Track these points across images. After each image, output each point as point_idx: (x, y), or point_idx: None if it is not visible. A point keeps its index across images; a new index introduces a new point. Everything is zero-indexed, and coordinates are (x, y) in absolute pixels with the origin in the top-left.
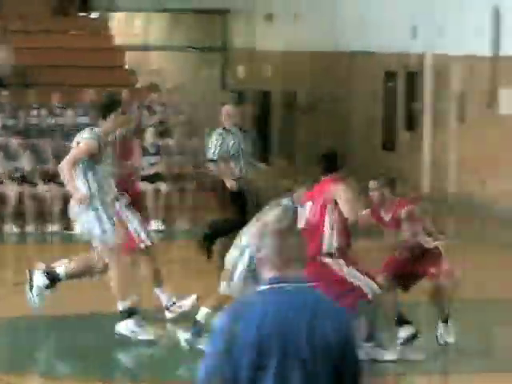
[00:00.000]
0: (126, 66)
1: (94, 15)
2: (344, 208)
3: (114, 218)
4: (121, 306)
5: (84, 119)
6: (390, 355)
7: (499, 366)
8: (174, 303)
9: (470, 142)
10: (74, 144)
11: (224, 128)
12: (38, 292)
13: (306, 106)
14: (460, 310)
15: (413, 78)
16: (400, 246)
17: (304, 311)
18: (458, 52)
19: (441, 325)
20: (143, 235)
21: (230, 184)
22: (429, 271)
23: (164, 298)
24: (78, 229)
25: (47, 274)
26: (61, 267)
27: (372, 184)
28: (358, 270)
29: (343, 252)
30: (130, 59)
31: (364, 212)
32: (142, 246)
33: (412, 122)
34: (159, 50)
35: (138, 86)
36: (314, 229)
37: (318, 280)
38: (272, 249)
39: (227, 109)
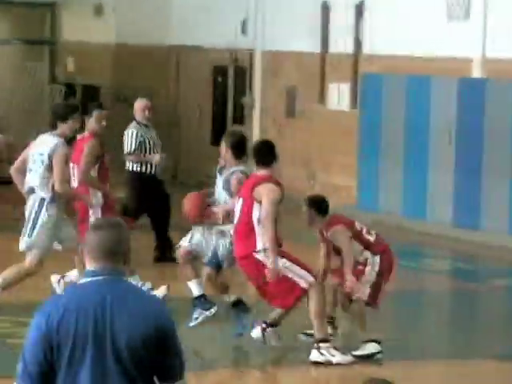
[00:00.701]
0: None
1: None
2: (263, 208)
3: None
4: None
5: None
6: (343, 359)
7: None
8: None
9: (300, 136)
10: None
11: (138, 122)
12: None
13: (127, 99)
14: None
15: (243, 73)
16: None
17: (104, 305)
18: (287, 48)
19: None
20: None
21: (156, 160)
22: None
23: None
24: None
25: None
26: None
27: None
28: (292, 261)
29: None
30: None
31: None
32: None
33: (242, 117)
34: None
35: None
36: (246, 225)
37: (254, 277)
38: (90, 243)
39: (141, 103)
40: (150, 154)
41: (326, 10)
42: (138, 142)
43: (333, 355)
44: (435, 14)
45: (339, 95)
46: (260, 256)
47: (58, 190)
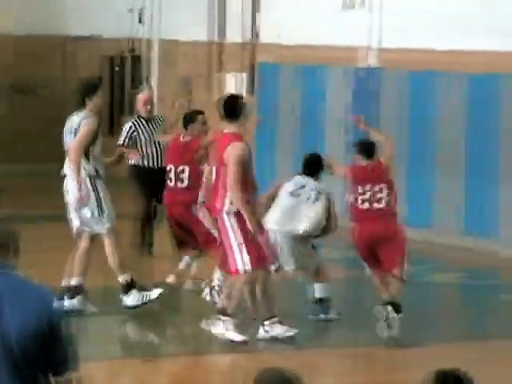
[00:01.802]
0: None
1: None
2: (229, 174)
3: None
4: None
5: None
6: (289, 331)
7: None
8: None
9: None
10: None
11: (138, 115)
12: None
13: (22, 89)
14: None
15: (139, 63)
16: None
17: None
18: (184, 37)
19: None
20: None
21: (130, 155)
22: None
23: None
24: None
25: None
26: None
27: None
28: (245, 238)
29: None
30: None
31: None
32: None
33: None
34: None
35: None
36: (216, 187)
37: (220, 236)
38: None
39: (140, 96)
40: (143, 148)
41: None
42: (129, 135)
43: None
44: (330, 3)
45: (236, 84)
46: (224, 216)
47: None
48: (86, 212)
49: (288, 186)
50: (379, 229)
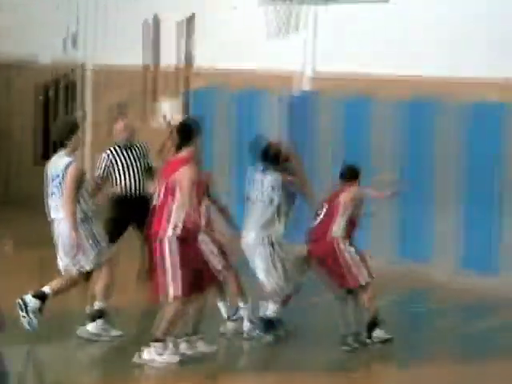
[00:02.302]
0: None
1: None
2: (182, 197)
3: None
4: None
5: None
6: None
7: None
8: None
9: None
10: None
11: (115, 144)
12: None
13: None
14: None
15: (73, 89)
16: None
17: None
18: (118, 62)
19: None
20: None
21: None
22: None
23: None
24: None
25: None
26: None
27: None
28: (182, 265)
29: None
30: None
31: None
32: None
33: None
34: None
35: None
36: (160, 210)
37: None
38: None
39: (116, 125)
40: (121, 176)
41: (156, 24)
42: (104, 166)
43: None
44: (264, 28)
45: (170, 110)
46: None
47: None
48: (81, 257)
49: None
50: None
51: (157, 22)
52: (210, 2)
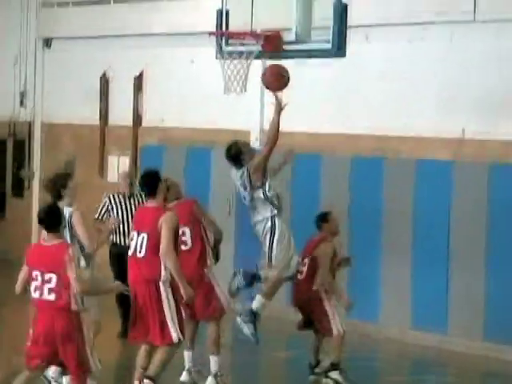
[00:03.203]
0: None
1: None
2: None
3: None
4: None
5: None
6: None
7: None
8: None
9: (80, 208)
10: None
11: (118, 192)
12: None
13: None
14: None
15: (22, 146)
16: None
17: None
18: (67, 120)
19: None
20: None
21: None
22: None
23: None
24: None
25: None
26: None
27: None
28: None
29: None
30: None
31: None
32: None
33: (21, 190)
34: None
35: None
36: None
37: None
38: None
39: (121, 173)
40: (119, 224)
41: (105, 81)
42: (103, 210)
43: None
44: (215, 85)
45: (119, 167)
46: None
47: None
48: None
49: None
50: None
51: (105, 79)
52: (165, 56)
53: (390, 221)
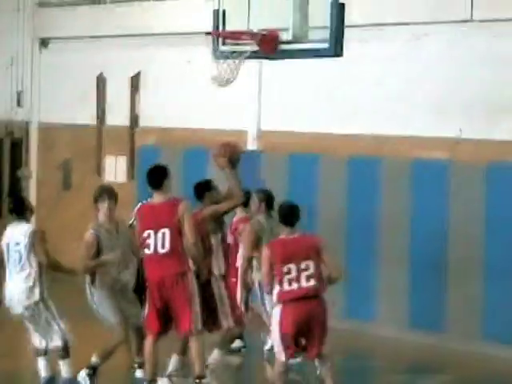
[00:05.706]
0: None
1: None
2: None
3: None
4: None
5: None
6: None
7: None
8: None
9: (78, 208)
10: None
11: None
12: None
13: None
14: None
15: (18, 146)
16: None
17: None
18: (63, 120)
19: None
20: None
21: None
22: None
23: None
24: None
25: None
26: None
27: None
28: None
29: None
30: None
31: None
32: None
33: (19, 190)
34: None
35: None
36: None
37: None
38: None
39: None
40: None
41: (102, 82)
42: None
43: None
44: (207, 85)
45: (116, 168)
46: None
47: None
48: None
49: None
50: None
51: (102, 79)
52: (162, 56)
53: (387, 221)
